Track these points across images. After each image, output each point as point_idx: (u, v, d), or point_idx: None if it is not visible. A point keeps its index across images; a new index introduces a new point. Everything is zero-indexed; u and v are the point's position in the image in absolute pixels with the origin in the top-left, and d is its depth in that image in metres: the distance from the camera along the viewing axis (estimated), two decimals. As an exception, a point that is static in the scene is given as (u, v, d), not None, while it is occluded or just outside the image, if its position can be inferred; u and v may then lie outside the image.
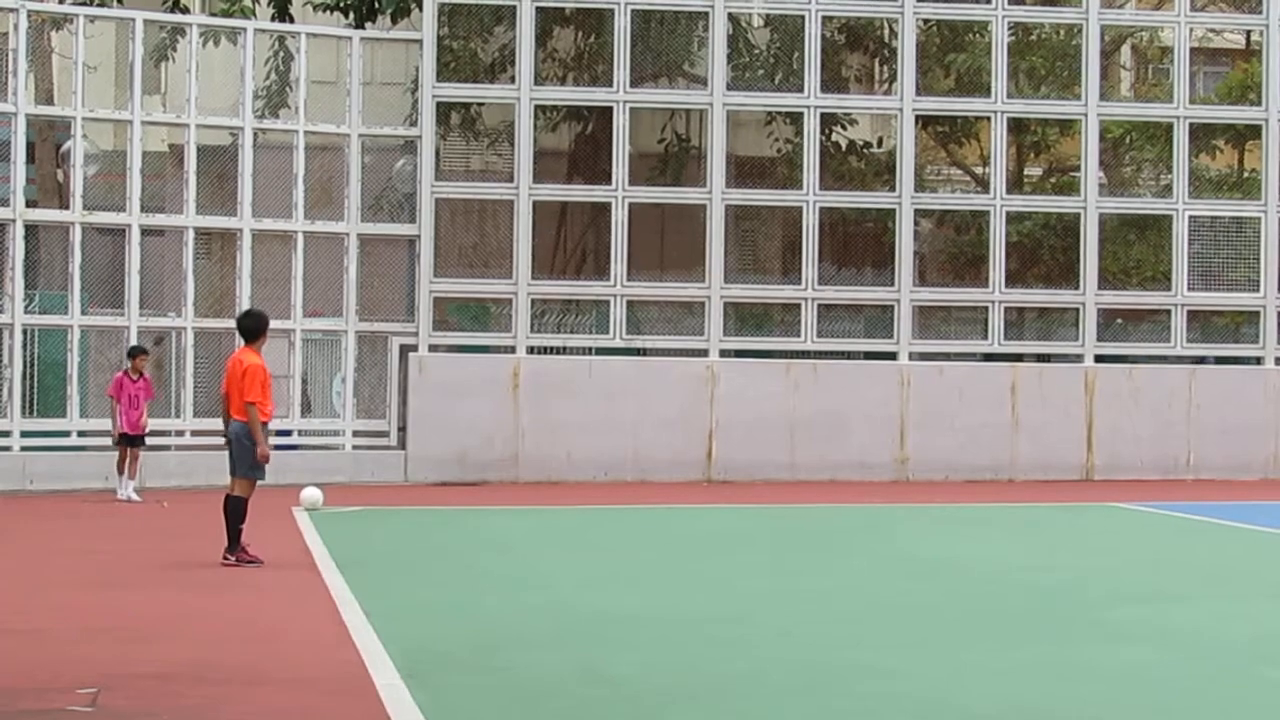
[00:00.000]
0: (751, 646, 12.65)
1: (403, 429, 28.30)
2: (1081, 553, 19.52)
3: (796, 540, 20.63)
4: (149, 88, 28.47)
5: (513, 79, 29.17)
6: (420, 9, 29.18)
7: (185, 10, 30.98)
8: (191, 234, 27.51)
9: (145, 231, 27.38)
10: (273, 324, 19.02)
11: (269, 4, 30.41)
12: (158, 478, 26.03)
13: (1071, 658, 12.21)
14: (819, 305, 29.16)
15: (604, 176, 29.39)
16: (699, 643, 12.72)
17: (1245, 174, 32.82)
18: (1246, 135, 32.15)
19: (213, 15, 30.68)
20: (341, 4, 30.63)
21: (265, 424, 17.23)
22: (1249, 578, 17.40)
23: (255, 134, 28.04)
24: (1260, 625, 13.98)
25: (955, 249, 31.78)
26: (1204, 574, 17.81)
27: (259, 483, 17.39)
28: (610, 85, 29.16)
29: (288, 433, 27.59)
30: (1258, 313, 30.31)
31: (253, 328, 17.57)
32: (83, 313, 26.97)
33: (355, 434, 28.36)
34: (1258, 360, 30.40)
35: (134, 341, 26.43)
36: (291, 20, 30.40)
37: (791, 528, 22.11)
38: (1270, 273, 30.09)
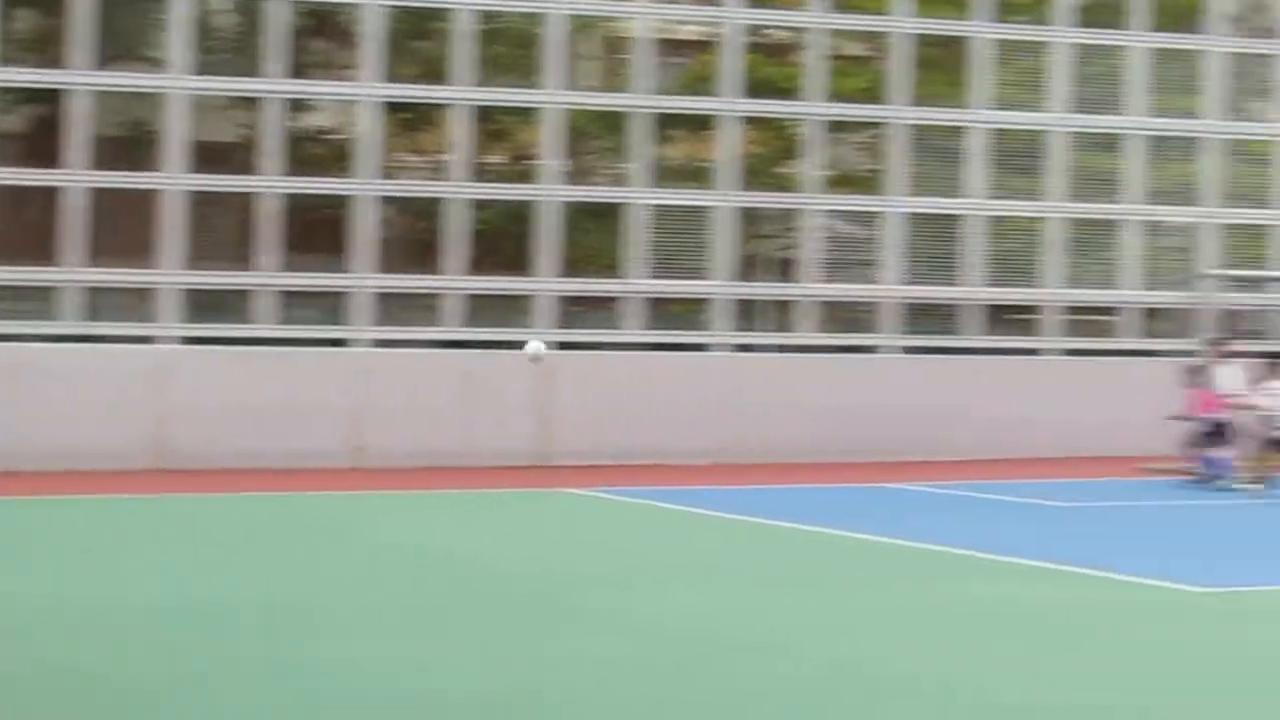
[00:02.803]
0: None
1: None
2: (531, 540, 19.92)
3: (247, 533, 20.51)
4: None
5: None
6: None
7: None
8: None
9: None
10: None
11: None
12: None
13: (541, 647, 12.55)
14: (279, 293, 29.06)
15: (55, 160, 28.70)
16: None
17: (699, 164, 33.75)
18: (707, 125, 33.05)
19: None
20: None
21: None
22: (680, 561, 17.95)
23: None
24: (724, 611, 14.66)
25: (415, 236, 31.95)
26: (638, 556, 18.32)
27: None
28: (71, 68, 28.51)
29: None
30: (711, 300, 31.34)
31: None
32: None
33: None
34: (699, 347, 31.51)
35: None
36: None
37: (247, 518, 21.99)
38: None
